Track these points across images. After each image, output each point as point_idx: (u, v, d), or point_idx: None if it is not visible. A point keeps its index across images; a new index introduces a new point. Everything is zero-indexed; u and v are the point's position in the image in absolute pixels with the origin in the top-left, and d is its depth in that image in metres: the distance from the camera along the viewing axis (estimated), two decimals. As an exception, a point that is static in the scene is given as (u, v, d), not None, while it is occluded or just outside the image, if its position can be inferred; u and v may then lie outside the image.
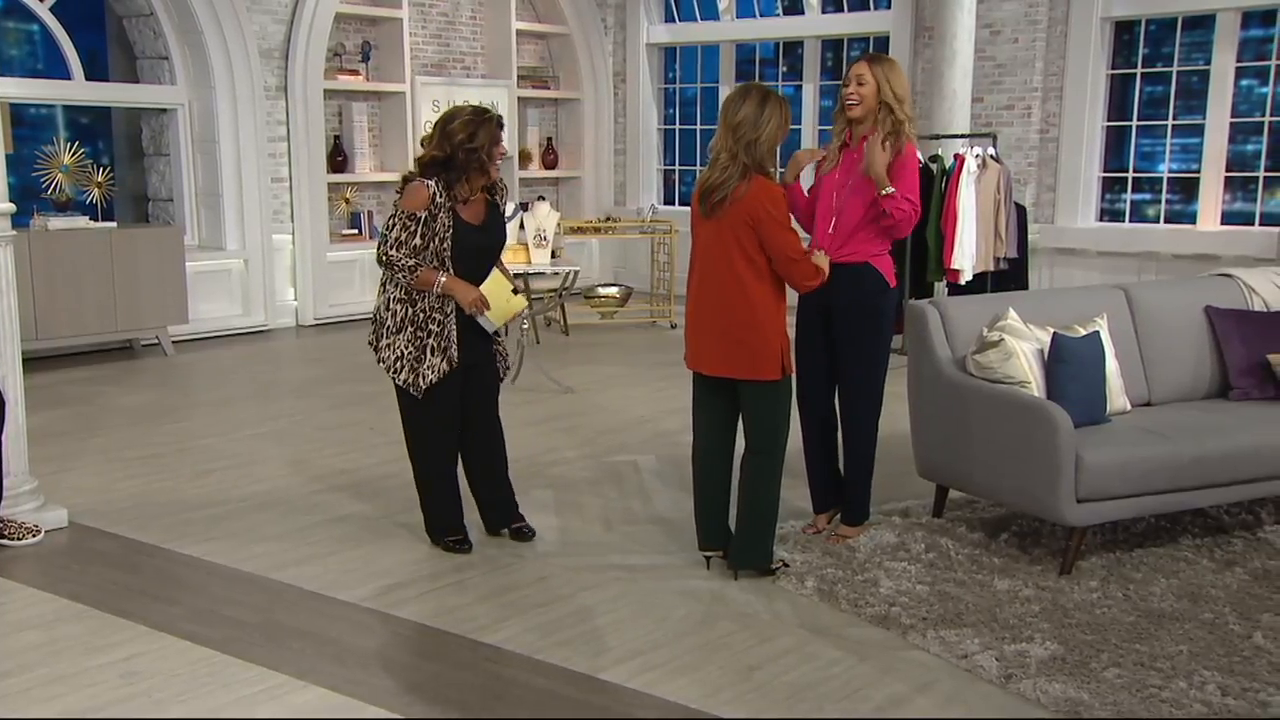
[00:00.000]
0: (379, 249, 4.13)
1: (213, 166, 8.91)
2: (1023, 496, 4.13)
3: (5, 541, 4.34)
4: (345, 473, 5.36)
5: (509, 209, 4.71)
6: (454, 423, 4.28)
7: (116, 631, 3.63)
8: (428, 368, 4.12)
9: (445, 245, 4.09)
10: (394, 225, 4.10)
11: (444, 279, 4.09)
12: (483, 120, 4.08)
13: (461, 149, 4.05)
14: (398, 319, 4.14)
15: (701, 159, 11.44)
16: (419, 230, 4.07)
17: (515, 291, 4.28)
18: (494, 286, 4.19)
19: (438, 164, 4.09)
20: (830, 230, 4.22)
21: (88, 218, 7.81)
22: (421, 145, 4.26)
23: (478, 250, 4.18)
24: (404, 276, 4.08)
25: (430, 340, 4.12)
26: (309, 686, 3.27)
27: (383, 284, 4.20)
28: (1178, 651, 3.44)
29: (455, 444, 4.35)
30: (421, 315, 4.12)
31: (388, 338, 4.17)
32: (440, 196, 4.07)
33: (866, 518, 4.46)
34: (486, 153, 4.07)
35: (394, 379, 4.18)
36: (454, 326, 4.13)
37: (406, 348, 4.13)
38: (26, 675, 3.34)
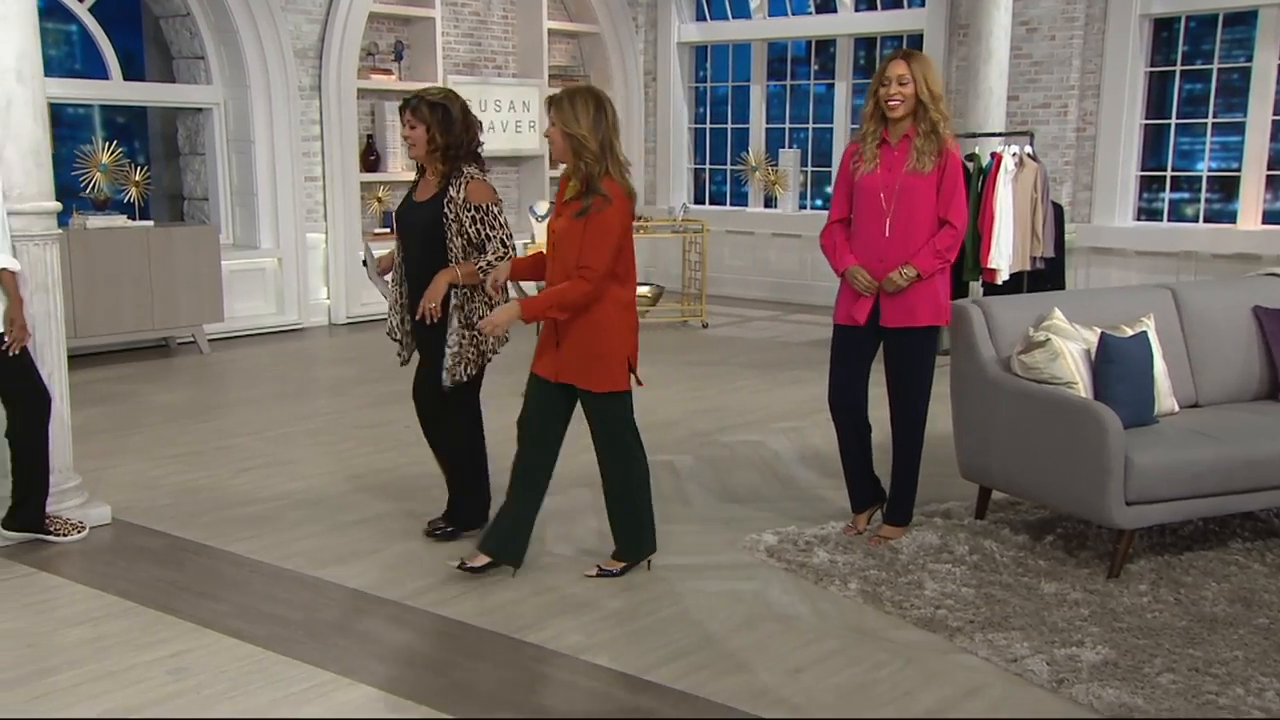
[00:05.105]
0: None
1: (247, 165, 8.95)
2: (1069, 499, 4.08)
3: (51, 538, 4.36)
4: (383, 471, 5.36)
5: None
6: (420, 404, 4.43)
7: (163, 628, 3.64)
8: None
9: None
10: None
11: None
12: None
13: None
14: None
15: (733, 158, 11.41)
16: None
17: (364, 263, 4.61)
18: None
19: None
20: (886, 235, 4.16)
21: (125, 217, 7.87)
22: None
23: (401, 224, 4.36)
24: None
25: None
26: (356, 684, 3.27)
27: None
28: (1233, 657, 3.39)
29: (428, 430, 4.47)
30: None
31: None
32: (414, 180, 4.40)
33: (910, 519, 4.42)
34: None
35: None
36: (393, 299, 4.41)
37: None
38: (74, 671, 3.36)
